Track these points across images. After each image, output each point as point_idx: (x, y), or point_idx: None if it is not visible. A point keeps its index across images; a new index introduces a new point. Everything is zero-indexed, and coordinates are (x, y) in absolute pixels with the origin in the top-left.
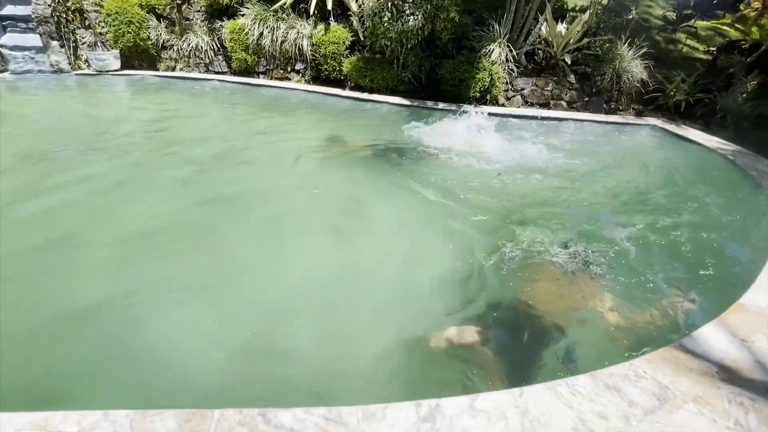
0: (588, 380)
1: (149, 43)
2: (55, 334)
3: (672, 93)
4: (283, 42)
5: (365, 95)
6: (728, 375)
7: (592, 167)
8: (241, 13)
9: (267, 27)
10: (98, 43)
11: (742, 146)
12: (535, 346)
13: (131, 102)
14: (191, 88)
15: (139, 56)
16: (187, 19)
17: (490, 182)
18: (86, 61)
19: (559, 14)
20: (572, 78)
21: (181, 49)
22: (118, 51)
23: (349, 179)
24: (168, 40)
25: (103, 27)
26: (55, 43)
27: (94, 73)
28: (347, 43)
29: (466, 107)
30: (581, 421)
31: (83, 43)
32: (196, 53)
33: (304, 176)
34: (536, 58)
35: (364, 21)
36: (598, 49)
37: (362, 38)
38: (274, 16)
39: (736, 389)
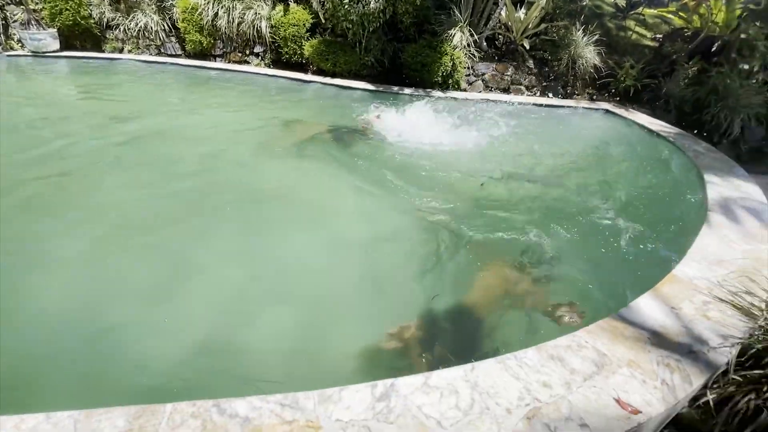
0: (534, 353)
1: (92, 21)
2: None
3: (622, 78)
4: (240, 23)
5: (327, 79)
6: (658, 340)
7: (548, 151)
8: None
9: (222, 7)
10: (32, 21)
11: (683, 129)
12: (476, 338)
13: (66, 86)
14: (139, 72)
15: (80, 36)
16: None
17: (452, 175)
18: (19, 41)
19: None
20: (531, 63)
21: (129, 29)
22: (55, 30)
23: (306, 162)
24: (113, 19)
25: (36, 3)
26: None
27: (29, 54)
28: (307, 25)
29: (433, 93)
30: (527, 391)
31: (15, 21)
32: (146, 34)
33: (252, 162)
34: (497, 43)
35: (324, 2)
36: (555, 35)
37: (323, 20)
38: None
39: (664, 352)
